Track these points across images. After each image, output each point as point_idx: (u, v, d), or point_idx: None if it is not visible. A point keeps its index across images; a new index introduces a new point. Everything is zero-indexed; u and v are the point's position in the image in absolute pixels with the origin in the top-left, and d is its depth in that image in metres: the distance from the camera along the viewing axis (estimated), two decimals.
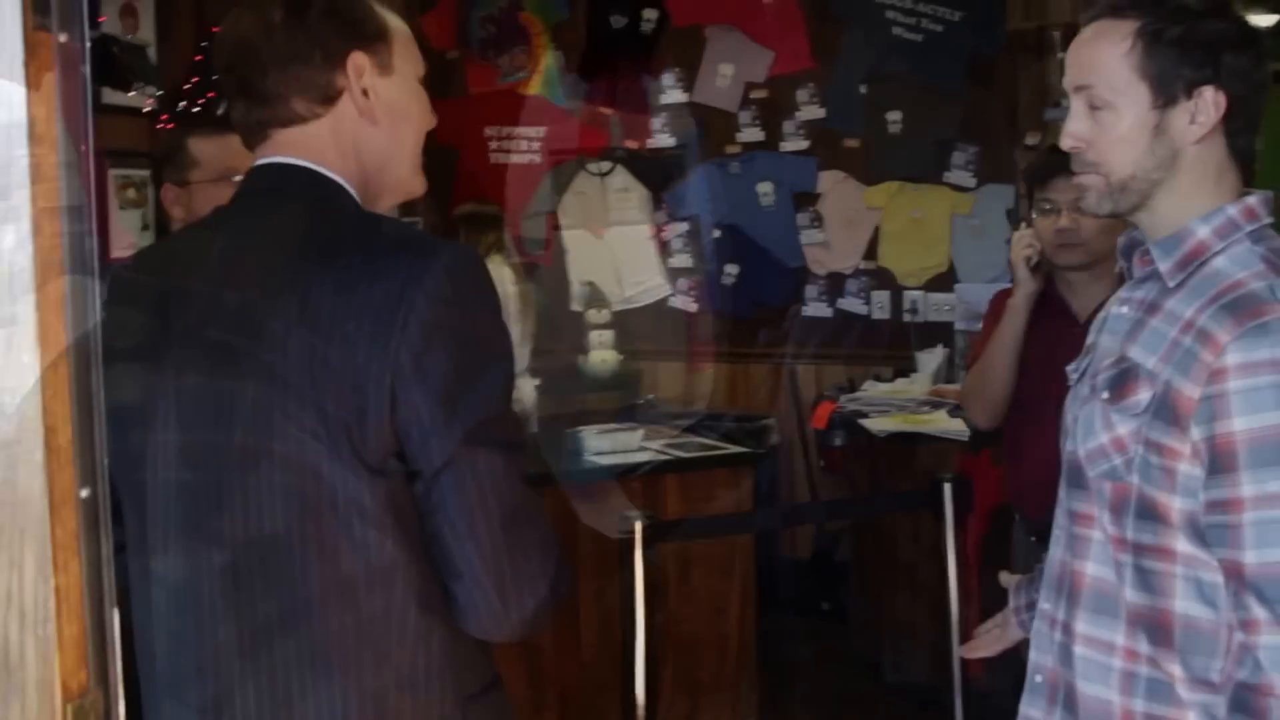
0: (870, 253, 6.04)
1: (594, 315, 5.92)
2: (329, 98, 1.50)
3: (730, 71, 6.16)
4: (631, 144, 6.32)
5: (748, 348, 6.19)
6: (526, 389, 5.29)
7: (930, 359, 5.32)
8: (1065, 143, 1.65)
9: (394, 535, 1.39)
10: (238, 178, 1.61)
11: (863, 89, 5.95)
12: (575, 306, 6.21)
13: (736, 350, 6.21)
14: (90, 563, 0.91)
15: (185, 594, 1.44)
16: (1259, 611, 1.46)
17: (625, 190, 6.33)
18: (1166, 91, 1.57)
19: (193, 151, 2.48)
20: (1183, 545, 1.54)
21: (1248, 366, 1.45)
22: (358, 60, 1.51)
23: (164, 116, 4.26)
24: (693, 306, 6.30)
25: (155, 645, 1.48)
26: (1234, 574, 1.49)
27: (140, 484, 1.47)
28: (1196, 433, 1.49)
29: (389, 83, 1.54)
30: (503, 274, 5.21)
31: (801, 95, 6.07)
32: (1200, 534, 1.52)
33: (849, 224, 6.06)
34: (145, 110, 4.24)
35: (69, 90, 0.86)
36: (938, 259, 5.89)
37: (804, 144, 6.09)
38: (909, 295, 5.93)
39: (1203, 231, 1.59)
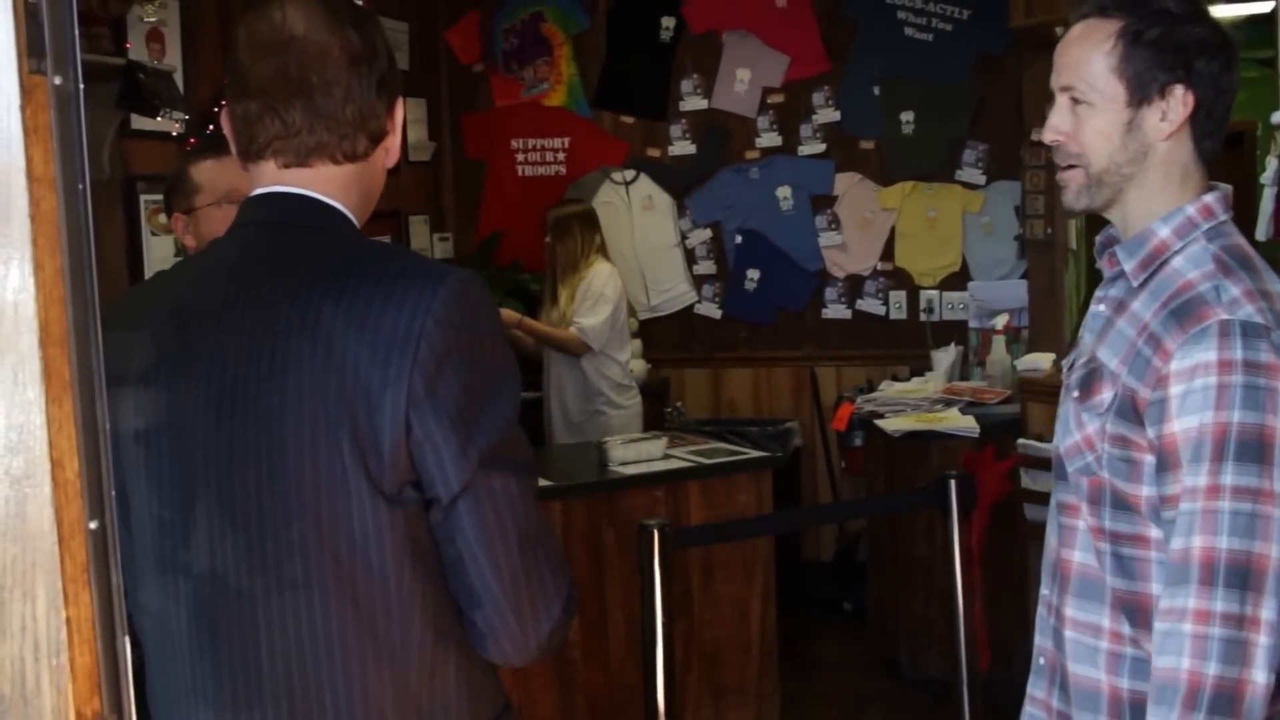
0: (887, 254, 6.07)
1: None
2: (375, 139, 1.50)
3: (747, 77, 6.17)
4: (654, 152, 6.33)
5: (770, 351, 6.21)
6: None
7: (944, 357, 5.34)
8: (1047, 136, 1.72)
9: (411, 566, 1.38)
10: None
11: (876, 90, 5.98)
12: None
13: (758, 354, 6.23)
14: (101, 594, 0.90)
15: (202, 630, 1.42)
16: (1192, 599, 1.50)
17: (650, 198, 6.34)
18: (1141, 91, 1.64)
19: (194, 177, 2.44)
20: (1156, 532, 1.61)
21: (1186, 371, 1.53)
22: (400, 108, 1.53)
23: (191, 140, 4.33)
24: (716, 313, 6.31)
25: (172, 681, 1.46)
26: (1175, 563, 1.54)
27: (152, 524, 1.44)
28: (1150, 432, 1.57)
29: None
30: (609, 271, 5.15)
31: (817, 98, 6.09)
32: None
33: (865, 225, 6.08)
34: (174, 135, 4.32)
35: (65, 130, 0.88)
36: (951, 258, 5.95)
37: (821, 147, 6.10)
38: (925, 295, 5.97)
39: (1163, 232, 1.66)
